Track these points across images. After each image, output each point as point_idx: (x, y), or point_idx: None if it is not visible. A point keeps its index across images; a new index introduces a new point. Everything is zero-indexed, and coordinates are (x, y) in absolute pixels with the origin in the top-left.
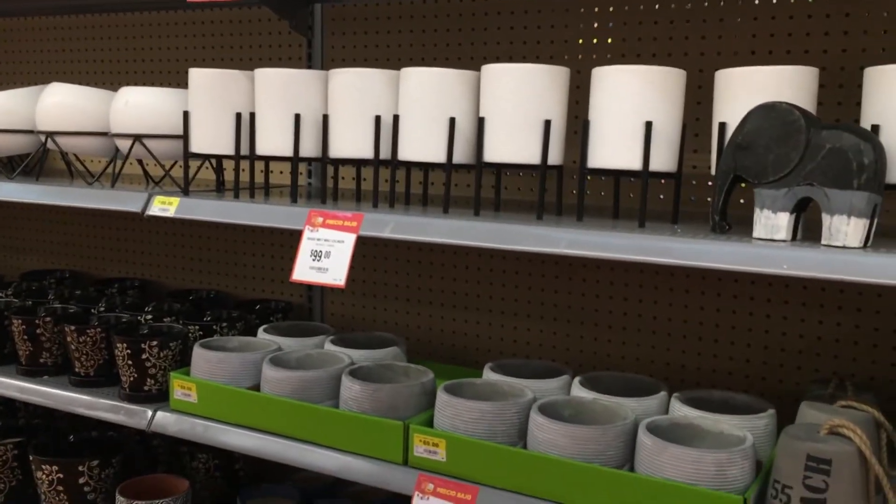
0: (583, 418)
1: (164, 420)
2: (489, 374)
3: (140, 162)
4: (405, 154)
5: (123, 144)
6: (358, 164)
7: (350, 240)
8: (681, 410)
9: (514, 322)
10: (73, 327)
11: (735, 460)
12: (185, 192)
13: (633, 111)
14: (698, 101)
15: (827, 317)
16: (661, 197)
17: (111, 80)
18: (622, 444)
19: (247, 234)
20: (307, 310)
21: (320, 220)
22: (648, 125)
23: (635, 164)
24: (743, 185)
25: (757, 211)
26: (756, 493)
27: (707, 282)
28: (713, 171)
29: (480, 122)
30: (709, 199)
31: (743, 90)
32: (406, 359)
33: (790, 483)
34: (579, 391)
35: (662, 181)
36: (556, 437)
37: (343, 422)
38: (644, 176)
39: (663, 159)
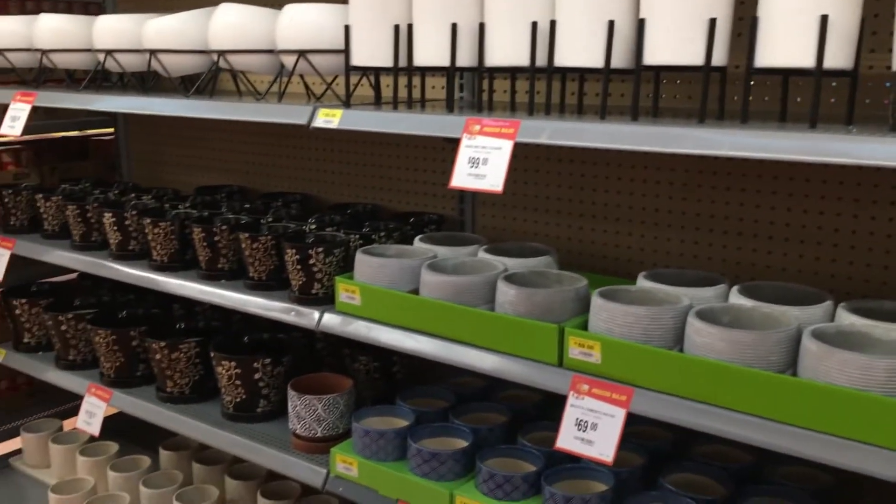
0: (741, 325)
1: (331, 321)
2: (643, 283)
3: (302, 78)
4: (561, 60)
5: (288, 60)
6: (512, 72)
7: (507, 146)
8: (848, 319)
9: (668, 233)
10: (246, 235)
11: None
12: (347, 104)
13: (806, 4)
14: None
15: None
16: (833, 101)
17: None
18: (784, 352)
19: (400, 150)
20: (459, 222)
21: (477, 127)
22: (824, 19)
23: (807, 61)
24: None
25: None
26: None
27: (880, 189)
28: (894, 68)
29: (640, 24)
30: (885, 101)
31: None
32: (558, 268)
33: None
34: (738, 300)
35: (834, 83)
36: (714, 341)
37: (500, 324)
38: (817, 73)
39: (838, 56)
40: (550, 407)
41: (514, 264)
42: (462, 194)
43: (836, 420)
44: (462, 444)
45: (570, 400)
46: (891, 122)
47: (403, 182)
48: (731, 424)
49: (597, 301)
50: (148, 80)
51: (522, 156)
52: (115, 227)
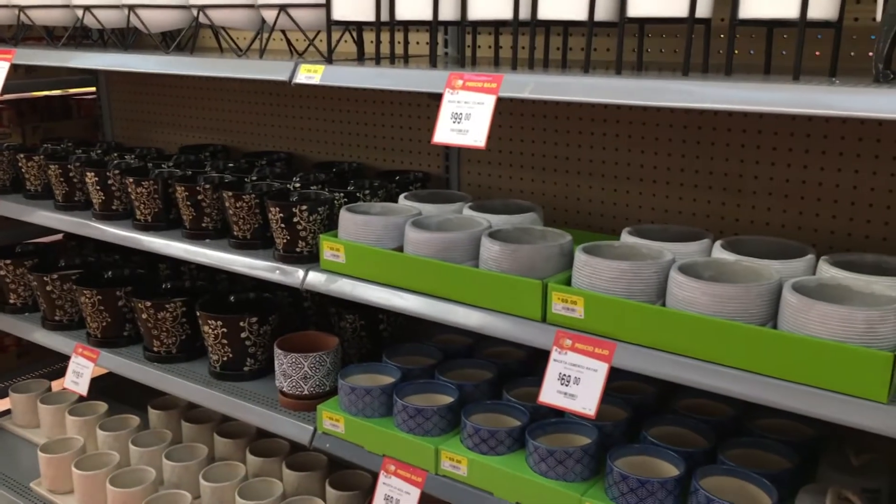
0: (724, 279)
1: (316, 279)
2: (627, 238)
3: (284, 34)
4: (545, 12)
5: (269, 15)
6: (496, 26)
7: (490, 101)
8: (829, 272)
9: (653, 189)
10: (230, 193)
11: (888, 318)
12: (329, 60)
13: None
14: None
15: None
16: (817, 54)
17: None
18: (765, 304)
19: (384, 107)
20: (444, 180)
21: (460, 82)
22: None
23: (791, 11)
24: None
25: None
26: None
27: (864, 143)
28: (878, 19)
29: None
30: (870, 54)
31: None
32: (543, 225)
33: None
34: (721, 254)
35: (819, 36)
36: (696, 294)
37: (484, 280)
38: (801, 24)
39: (823, 6)
40: (535, 363)
41: (498, 221)
42: (447, 152)
43: (816, 372)
44: (448, 400)
45: (554, 355)
46: (874, 74)
47: (388, 140)
48: (713, 377)
49: (580, 256)
50: (128, 37)
51: (507, 112)
52: (98, 187)
